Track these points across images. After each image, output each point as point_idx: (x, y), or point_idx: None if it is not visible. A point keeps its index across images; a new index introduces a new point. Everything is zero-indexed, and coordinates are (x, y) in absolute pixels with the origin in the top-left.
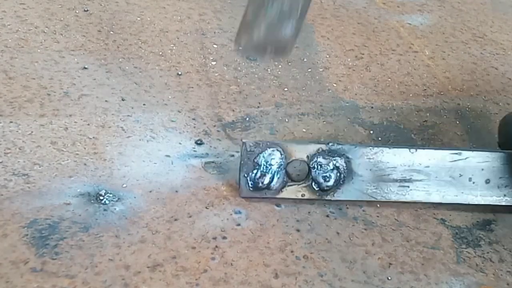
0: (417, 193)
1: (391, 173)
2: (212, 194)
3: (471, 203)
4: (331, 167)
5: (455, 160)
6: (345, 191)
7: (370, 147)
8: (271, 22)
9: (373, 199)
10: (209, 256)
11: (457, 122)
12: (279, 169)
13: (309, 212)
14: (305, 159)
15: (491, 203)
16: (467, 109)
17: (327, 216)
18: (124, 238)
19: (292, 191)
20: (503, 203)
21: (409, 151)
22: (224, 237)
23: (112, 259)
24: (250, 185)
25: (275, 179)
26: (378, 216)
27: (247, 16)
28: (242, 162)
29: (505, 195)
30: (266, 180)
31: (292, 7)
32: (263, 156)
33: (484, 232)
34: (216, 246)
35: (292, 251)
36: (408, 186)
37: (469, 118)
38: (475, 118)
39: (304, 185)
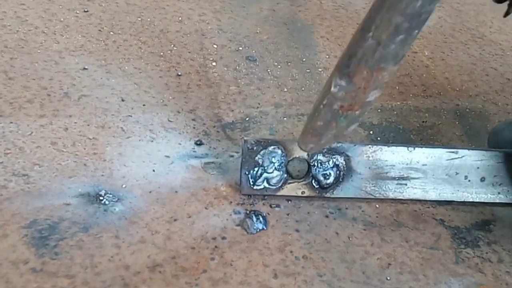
0: (414, 191)
1: (390, 171)
2: (212, 195)
3: (466, 200)
4: (331, 165)
5: (451, 159)
6: (344, 189)
7: (369, 145)
8: (341, 129)
9: (371, 197)
10: (208, 257)
11: (456, 123)
12: (280, 167)
13: (308, 213)
14: (306, 156)
15: (485, 201)
16: (466, 109)
17: (327, 216)
18: (124, 238)
19: (292, 188)
20: (497, 201)
21: (407, 149)
22: (224, 238)
23: (112, 259)
24: (251, 182)
25: (276, 177)
26: (377, 217)
27: (316, 124)
28: (243, 160)
29: (499, 193)
30: (267, 177)
31: (362, 113)
32: (264, 154)
33: (483, 232)
34: (216, 247)
35: (291, 251)
36: (406, 184)
37: (468, 119)
38: (474, 118)
39: (304, 182)
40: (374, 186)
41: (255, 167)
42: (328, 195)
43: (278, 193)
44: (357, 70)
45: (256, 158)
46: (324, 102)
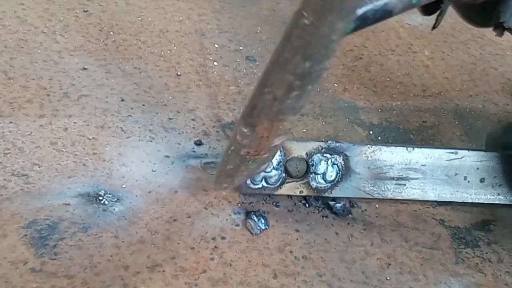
0: (413, 191)
1: (388, 171)
2: (211, 195)
3: (465, 201)
4: (330, 165)
5: (451, 159)
6: (342, 189)
7: (368, 145)
8: (251, 170)
9: (369, 197)
10: (208, 257)
11: (456, 122)
12: (278, 166)
13: (308, 213)
14: (304, 156)
15: (485, 202)
16: (466, 109)
17: (326, 216)
18: (123, 238)
19: (291, 188)
20: (497, 202)
21: (406, 149)
22: (223, 238)
23: (111, 259)
24: (250, 181)
25: (274, 176)
26: (377, 217)
27: (227, 168)
28: None
29: (498, 194)
30: (266, 176)
31: (271, 155)
32: None
33: (483, 232)
34: (215, 247)
35: (291, 251)
36: (405, 184)
37: (468, 118)
38: (474, 118)
39: (302, 182)
40: (373, 186)
41: None
42: (326, 194)
43: (276, 192)
44: (258, 121)
45: None
46: (232, 149)
